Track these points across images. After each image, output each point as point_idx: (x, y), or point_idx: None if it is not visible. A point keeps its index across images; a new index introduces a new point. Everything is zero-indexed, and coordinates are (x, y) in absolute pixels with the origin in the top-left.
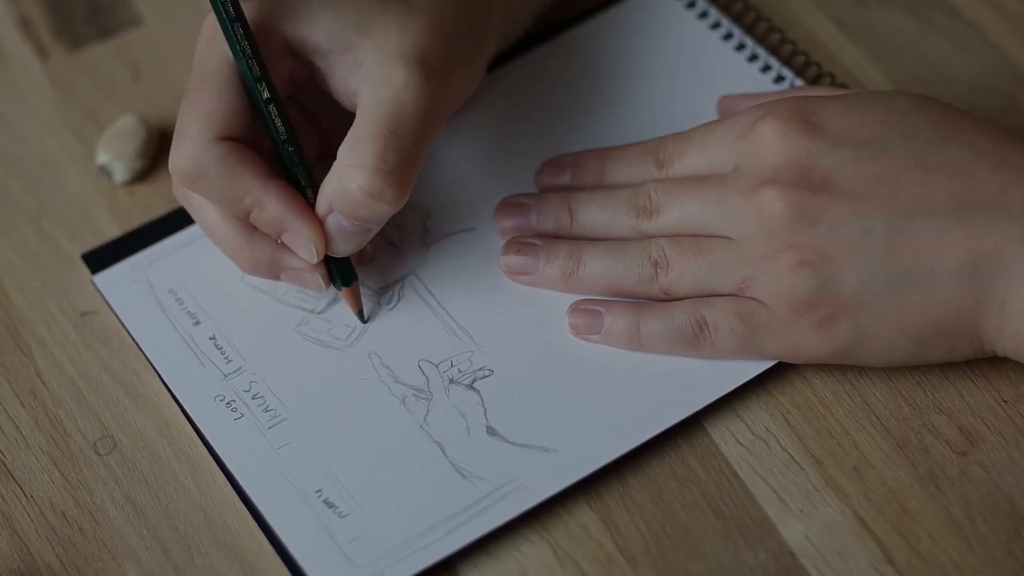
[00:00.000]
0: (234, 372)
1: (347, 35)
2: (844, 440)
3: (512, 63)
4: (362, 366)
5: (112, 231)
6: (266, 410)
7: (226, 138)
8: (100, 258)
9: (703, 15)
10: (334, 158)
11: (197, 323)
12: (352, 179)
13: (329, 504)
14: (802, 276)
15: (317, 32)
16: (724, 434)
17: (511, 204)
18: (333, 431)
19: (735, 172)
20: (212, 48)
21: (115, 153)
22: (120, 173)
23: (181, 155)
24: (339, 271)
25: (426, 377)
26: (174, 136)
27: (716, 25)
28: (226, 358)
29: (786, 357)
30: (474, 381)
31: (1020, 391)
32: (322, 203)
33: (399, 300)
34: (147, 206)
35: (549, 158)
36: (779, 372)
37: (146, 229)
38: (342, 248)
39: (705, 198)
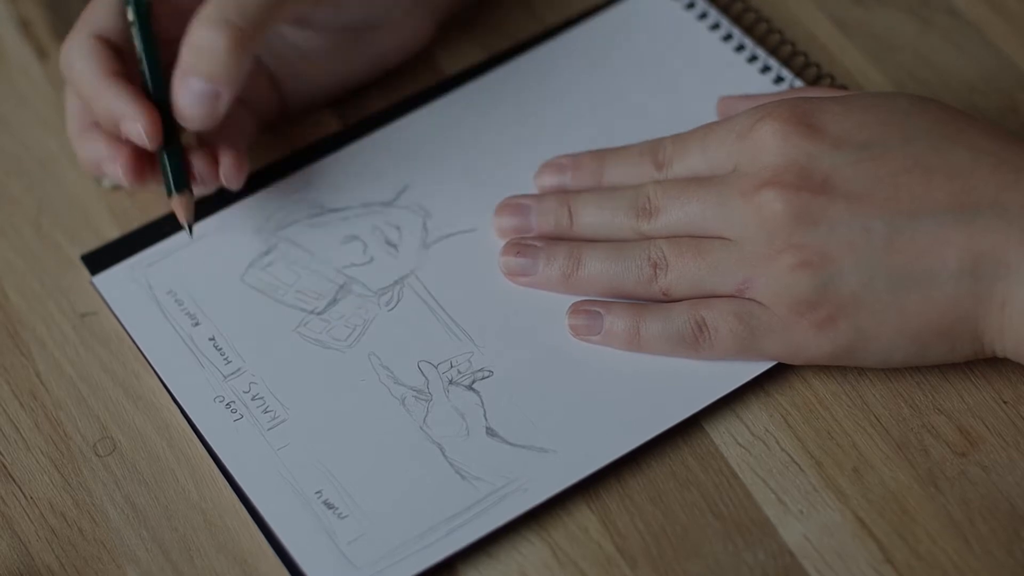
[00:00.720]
0: (234, 373)
1: None
2: (843, 441)
3: (512, 63)
4: (362, 367)
5: (112, 232)
6: (266, 411)
7: (100, 37)
8: (100, 259)
9: (703, 16)
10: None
11: (197, 324)
12: (194, 32)
13: (329, 505)
14: (802, 277)
15: None
16: (724, 435)
17: (511, 205)
18: (333, 432)
19: (735, 173)
20: None
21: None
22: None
23: (65, 45)
24: (175, 176)
25: (426, 378)
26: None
27: (716, 26)
28: (226, 359)
29: (786, 358)
30: (474, 382)
31: (1020, 392)
32: (178, 70)
33: (399, 301)
34: (146, 207)
35: (549, 159)
36: (778, 373)
37: (145, 230)
38: (194, 112)
39: (705, 199)
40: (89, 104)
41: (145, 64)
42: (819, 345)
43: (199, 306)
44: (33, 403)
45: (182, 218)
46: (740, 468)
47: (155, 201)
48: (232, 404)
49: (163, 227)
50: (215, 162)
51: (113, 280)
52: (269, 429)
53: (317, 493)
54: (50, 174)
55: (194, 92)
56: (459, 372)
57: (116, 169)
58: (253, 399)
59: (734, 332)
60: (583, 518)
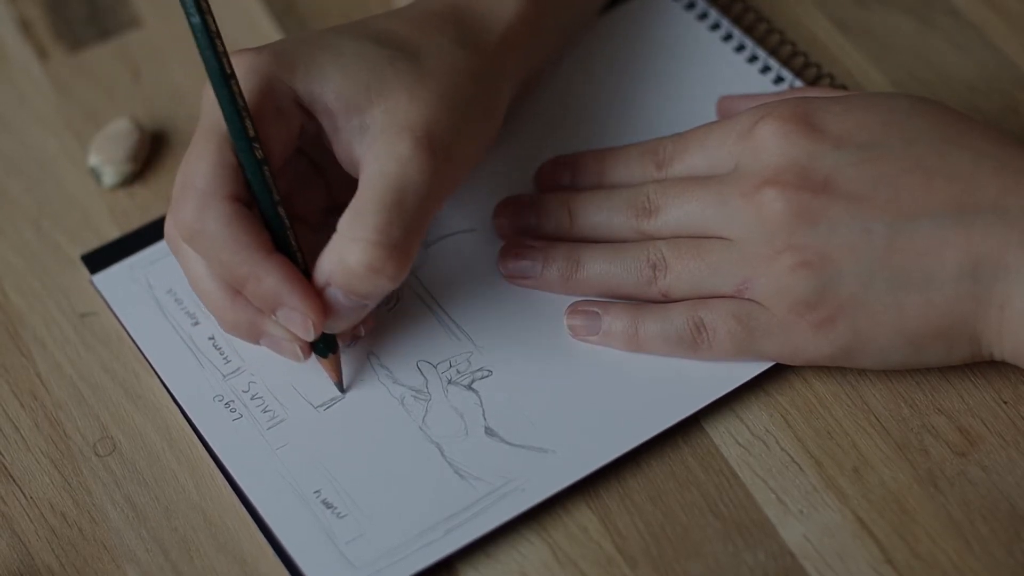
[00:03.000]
0: (233, 372)
1: (356, 98)
2: (843, 441)
3: None
4: (361, 367)
5: (112, 232)
6: (265, 410)
7: (234, 198)
8: (99, 259)
9: (703, 16)
10: (340, 210)
11: (196, 323)
12: (352, 253)
13: (327, 504)
14: (801, 277)
15: (327, 91)
16: (723, 435)
17: (510, 205)
18: (332, 432)
19: (735, 173)
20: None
21: (105, 156)
22: (109, 176)
23: (186, 207)
24: (322, 340)
25: (424, 378)
26: (178, 186)
27: (716, 26)
28: (225, 358)
29: (784, 359)
30: (472, 382)
31: (1020, 392)
32: (319, 276)
33: (398, 301)
34: (146, 207)
35: (549, 159)
36: (778, 373)
37: (145, 230)
38: (336, 325)
39: (705, 198)
40: (234, 280)
41: (276, 215)
42: (818, 346)
43: (199, 305)
44: (33, 403)
45: (334, 378)
46: (740, 468)
47: (155, 201)
48: (231, 403)
49: (163, 227)
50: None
51: (113, 279)
52: (268, 428)
53: (316, 492)
54: (50, 174)
55: (343, 305)
56: (458, 372)
57: (292, 351)
58: (252, 398)
59: (733, 333)
60: (583, 518)
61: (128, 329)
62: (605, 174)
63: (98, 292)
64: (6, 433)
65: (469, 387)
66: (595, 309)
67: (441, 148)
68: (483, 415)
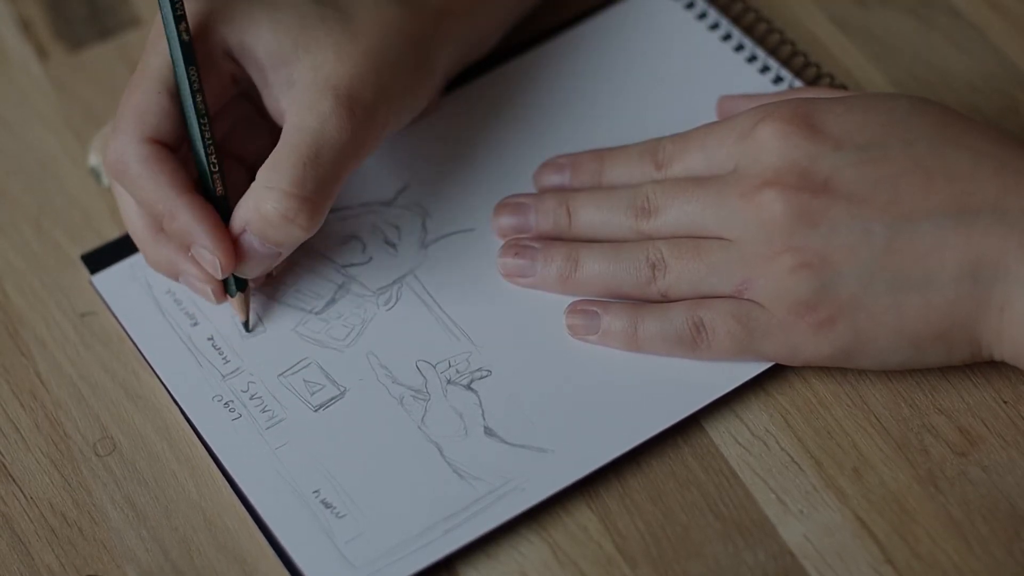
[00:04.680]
0: (232, 373)
1: (285, 52)
2: (843, 441)
3: (511, 64)
4: (360, 366)
5: (111, 232)
6: (264, 410)
7: (154, 140)
8: (99, 259)
9: (702, 16)
10: None
11: (195, 324)
12: (268, 201)
13: (327, 504)
14: (801, 278)
15: (258, 44)
16: (723, 435)
17: (510, 204)
18: (331, 431)
19: (735, 173)
20: (158, 46)
21: (104, 156)
22: (107, 176)
23: (111, 148)
24: (233, 279)
25: (424, 378)
26: (110, 126)
27: (715, 26)
28: (224, 359)
29: (784, 359)
30: (472, 382)
31: (1020, 392)
32: (236, 222)
33: (397, 300)
34: None
35: (548, 158)
36: (778, 373)
37: None
38: (250, 269)
39: (704, 199)
40: (154, 216)
41: (206, 163)
42: (817, 346)
43: (198, 306)
44: (33, 403)
45: (241, 316)
46: (740, 468)
47: None
48: (230, 403)
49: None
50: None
51: (112, 279)
52: (267, 428)
53: (315, 492)
54: (50, 174)
55: (257, 251)
56: (457, 372)
57: (204, 292)
58: (251, 398)
59: (732, 333)
60: (583, 518)
61: (127, 329)
62: (604, 174)
63: (97, 292)
64: (6, 433)
65: (468, 387)
66: (594, 308)
67: (362, 107)
68: (482, 415)
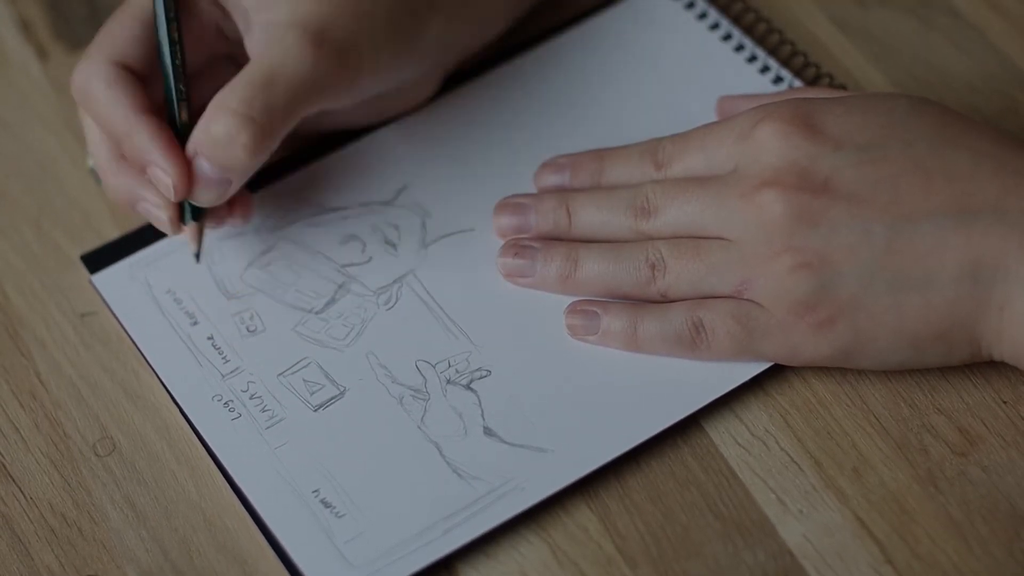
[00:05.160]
0: (232, 372)
1: None
2: (843, 441)
3: (511, 63)
4: (359, 366)
5: (111, 232)
6: (264, 410)
7: (121, 64)
8: (99, 259)
9: (702, 16)
10: None
11: (195, 323)
12: (215, 120)
13: (326, 504)
14: (801, 278)
15: None
16: (723, 435)
17: (509, 204)
18: (330, 431)
19: (734, 174)
20: None
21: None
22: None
23: (77, 71)
24: (190, 206)
25: (423, 377)
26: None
27: (715, 26)
28: (224, 358)
29: (783, 359)
30: (471, 381)
31: (1020, 392)
32: (190, 145)
33: (397, 300)
34: None
35: (548, 158)
36: (778, 373)
37: (145, 230)
38: (202, 196)
39: (704, 199)
40: (114, 139)
41: (171, 89)
42: (817, 347)
43: (198, 305)
44: (33, 403)
45: (193, 246)
46: (740, 468)
47: None
48: (230, 403)
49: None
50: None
51: (112, 279)
52: (267, 428)
53: (315, 492)
54: (50, 174)
55: (206, 175)
56: (457, 371)
57: (160, 219)
58: (251, 398)
59: (732, 333)
60: (583, 518)
61: (127, 329)
62: (604, 174)
63: (97, 292)
64: (6, 433)
65: (468, 387)
66: (594, 309)
67: (332, 47)
68: (482, 415)
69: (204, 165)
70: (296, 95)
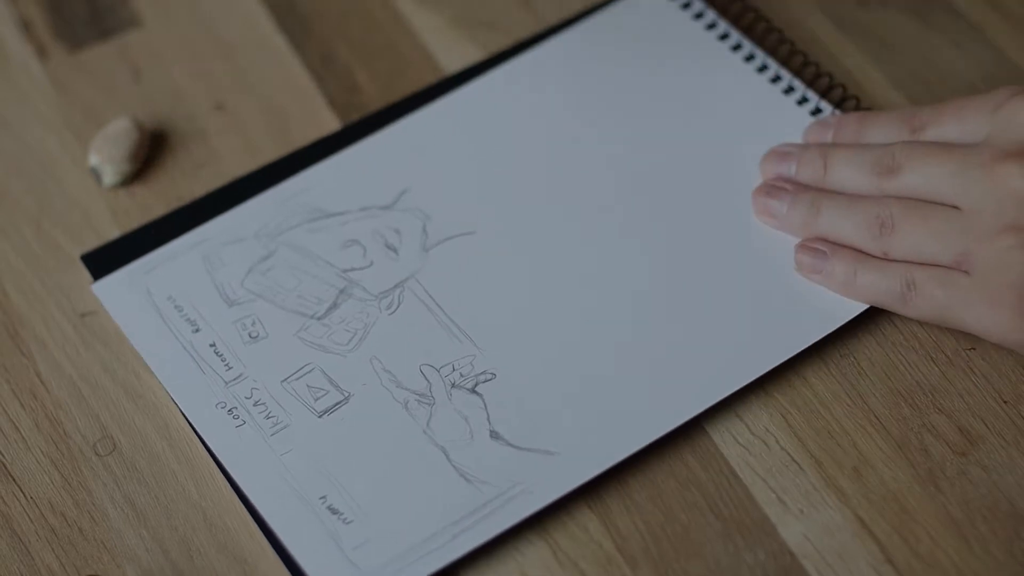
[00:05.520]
0: (235, 379)
1: None
2: (843, 440)
3: (511, 62)
4: (363, 371)
5: (112, 232)
6: (268, 417)
7: None
8: (100, 259)
9: (699, 16)
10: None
11: (197, 330)
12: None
13: (333, 510)
14: (1018, 259)
15: None
16: (724, 434)
17: (778, 153)
18: (336, 437)
19: (982, 144)
20: None
21: (105, 156)
22: (109, 176)
23: None
24: None
25: (428, 382)
26: None
27: (712, 25)
28: (227, 365)
29: (983, 335)
30: (476, 385)
31: (1020, 391)
32: None
33: (399, 305)
34: (147, 207)
35: (816, 120)
36: (778, 373)
37: (146, 230)
38: None
39: (946, 164)
40: None
41: None
42: (1020, 330)
43: (199, 312)
44: (33, 403)
45: None
46: (740, 468)
47: (155, 200)
48: (234, 410)
49: (164, 227)
50: None
51: (112, 287)
52: (272, 435)
53: (321, 498)
54: (50, 174)
55: None
56: (461, 375)
57: None
58: (255, 405)
59: (940, 299)
60: (583, 518)
61: (129, 337)
62: (863, 134)
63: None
64: (6, 433)
65: (473, 390)
66: (823, 248)
67: None
68: (488, 418)
69: None
70: None
